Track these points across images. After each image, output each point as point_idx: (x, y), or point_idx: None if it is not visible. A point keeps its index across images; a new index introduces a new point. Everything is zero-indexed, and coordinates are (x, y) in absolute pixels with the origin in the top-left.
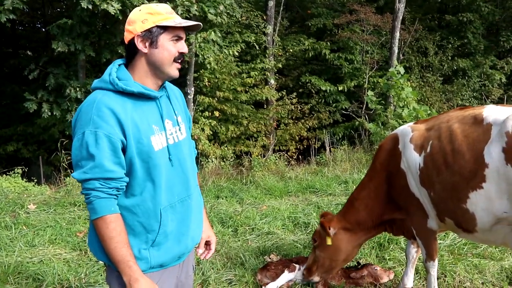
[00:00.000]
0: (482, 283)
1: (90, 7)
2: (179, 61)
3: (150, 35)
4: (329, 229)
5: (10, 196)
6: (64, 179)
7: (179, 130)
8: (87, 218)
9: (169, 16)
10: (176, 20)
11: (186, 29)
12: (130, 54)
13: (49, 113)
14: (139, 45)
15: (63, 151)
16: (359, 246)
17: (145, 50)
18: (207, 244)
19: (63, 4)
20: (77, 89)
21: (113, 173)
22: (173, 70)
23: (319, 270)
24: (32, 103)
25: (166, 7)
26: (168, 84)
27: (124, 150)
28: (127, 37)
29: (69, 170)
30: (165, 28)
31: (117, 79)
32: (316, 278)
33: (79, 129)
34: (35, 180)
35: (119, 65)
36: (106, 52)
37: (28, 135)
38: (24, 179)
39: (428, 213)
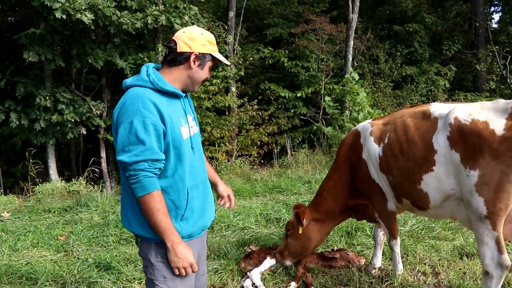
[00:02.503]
0: (439, 260)
1: (64, 17)
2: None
3: (203, 59)
4: (303, 220)
5: None
6: (33, 188)
7: (195, 124)
8: (65, 223)
9: (216, 49)
10: (221, 56)
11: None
12: (175, 60)
13: (17, 123)
14: (192, 61)
15: (31, 161)
16: (327, 235)
17: (193, 67)
18: (228, 197)
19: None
20: (46, 97)
21: (159, 155)
22: (197, 88)
23: (290, 256)
24: (0, 113)
25: (214, 38)
26: None
27: (163, 137)
28: (182, 47)
29: (37, 180)
30: (212, 58)
31: (156, 80)
32: (287, 262)
33: (126, 119)
34: (1, 190)
35: (153, 67)
36: (75, 62)
37: None
38: None
39: (387, 196)
